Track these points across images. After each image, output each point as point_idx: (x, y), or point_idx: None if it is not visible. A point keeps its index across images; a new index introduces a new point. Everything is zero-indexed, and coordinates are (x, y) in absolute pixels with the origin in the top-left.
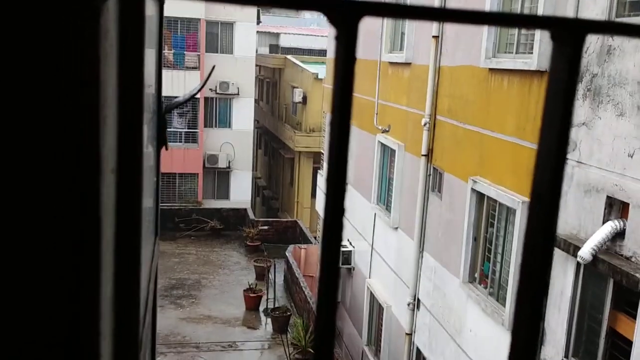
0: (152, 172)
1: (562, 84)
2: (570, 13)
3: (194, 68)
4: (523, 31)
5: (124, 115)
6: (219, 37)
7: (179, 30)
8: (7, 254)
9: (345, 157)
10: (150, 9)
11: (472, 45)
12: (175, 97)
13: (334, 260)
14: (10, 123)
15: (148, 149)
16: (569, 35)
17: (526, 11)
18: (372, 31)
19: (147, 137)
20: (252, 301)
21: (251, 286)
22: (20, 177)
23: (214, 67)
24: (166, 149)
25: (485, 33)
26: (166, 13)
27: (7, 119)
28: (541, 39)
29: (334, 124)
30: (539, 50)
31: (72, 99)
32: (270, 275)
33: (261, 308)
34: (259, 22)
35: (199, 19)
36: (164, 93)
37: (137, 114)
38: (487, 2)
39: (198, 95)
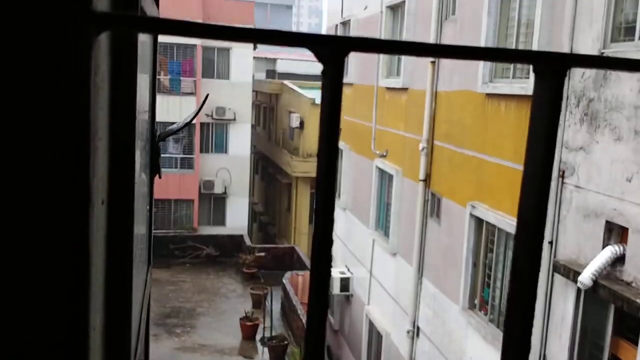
0: (145, 200)
1: (544, 118)
2: (565, 39)
3: (190, 93)
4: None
5: (116, 147)
6: (215, 63)
7: (175, 56)
8: None
9: (333, 182)
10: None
11: (469, 70)
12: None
13: (324, 288)
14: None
15: (141, 177)
16: (550, 69)
17: (522, 37)
18: (368, 57)
19: (141, 165)
20: (249, 330)
21: (247, 314)
22: (9, 209)
23: (207, 96)
24: (159, 177)
25: None
26: (162, 39)
27: None
28: None
29: (320, 154)
30: None
31: (62, 132)
32: (267, 303)
33: (258, 337)
34: (255, 47)
35: (195, 45)
36: (160, 118)
37: (129, 146)
38: (482, 30)
39: (194, 121)
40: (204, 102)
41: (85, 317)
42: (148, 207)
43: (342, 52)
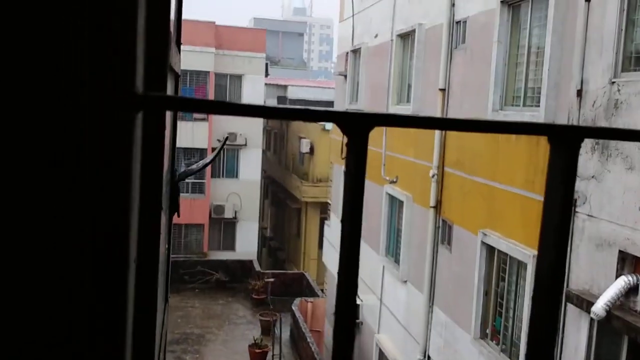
0: (165, 240)
1: (560, 187)
2: (576, 68)
3: (203, 119)
4: (530, 84)
5: (145, 207)
6: (227, 89)
7: (188, 83)
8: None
9: (357, 261)
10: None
11: (479, 98)
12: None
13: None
14: (46, 209)
15: (162, 219)
16: (565, 140)
17: (532, 65)
18: (379, 83)
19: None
20: (258, 357)
21: (256, 341)
22: (52, 271)
23: (227, 137)
24: (178, 216)
25: (492, 86)
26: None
27: (44, 204)
28: (547, 93)
29: (344, 228)
30: (546, 103)
31: (106, 198)
32: (276, 330)
33: None
34: (267, 74)
35: (208, 72)
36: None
37: (157, 205)
38: (493, 58)
39: (206, 146)
40: (223, 142)
41: None
42: (167, 246)
43: (367, 127)
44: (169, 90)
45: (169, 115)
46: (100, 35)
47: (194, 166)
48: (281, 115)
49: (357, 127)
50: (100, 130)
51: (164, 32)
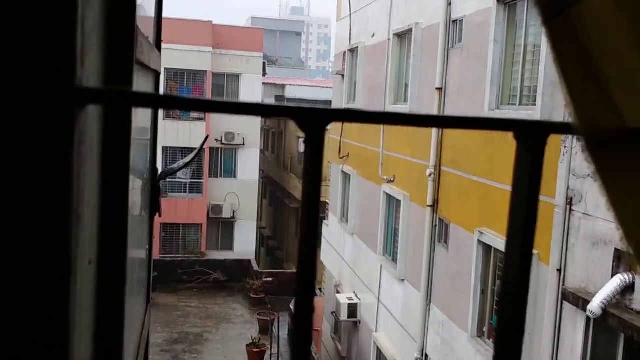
0: (145, 241)
1: (526, 183)
2: None
3: (200, 119)
4: (526, 83)
5: (108, 207)
6: (225, 89)
7: (185, 82)
8: None
9: (313, 254)
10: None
11: (476, 97)
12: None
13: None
14: None
15: (142, 216)
16: (531, 136)
17: (528, 65)
18: (376, 82)
19: (141, 205)
20: (256, 356)
21: (254, 340)
22: None
23: (207, 137)
24: (159, 215)
25: (488, 85)
26: (173, 65)
27: None
28: (544, 92)
29: (302, 218)
30: (542, 101)
31: (43, 201)
32: (274, 329)
33: None
34: (264, 73)
35: (205, 71)
36: (170, 144)
37: (122, 206)
38: (489, 57)
39: (204, 146)
40: (203, 142)
41: None
42: (148, 247)
43: (323, 123)
44: (145, 88)
45: (144, 112)
46: (33, 27)
47: (175, 165)
48: (231, 110)
49: (313, 122)
50: (34, 125)
51: (128, 27)
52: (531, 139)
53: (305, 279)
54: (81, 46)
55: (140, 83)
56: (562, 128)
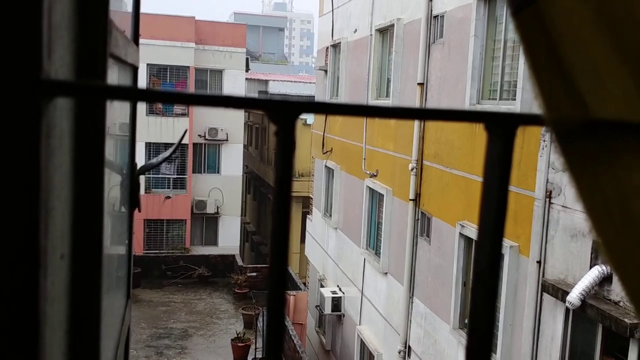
0: (124, 235)
1: (496, 174)
2: None
3: (183, 114)
4: (506, 78)
5: (81, 200)
6: (207, 84)
7: (168, 78)
8: None
9: (286, 243)
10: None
11: (457, 92)
12: (165, 143)
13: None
14: None
15: (120, 212)
16: (501, 127)
17: (508, 60)
18: (359, 77)
19: (120, 200)
20: (240, 351)
21: (239, 335)
22: None
23: (186, 131)
24: (139, 210)
25: (469, 80)
26: (156, 61)
27: None
28: (523, 86)
29: (274, 209)
30: (522, 96)
31: (9, 194)
32: (258, 324)
33: (249, 358)
34: (247, 69)
35: (188, 67)
36: (154, 139)
37: (96, 198)
38: (470, 52)
39: (187, 142)
40: (182, 136)
41: None
42: (127, 242)
43: (293, 115)
44: (122, 83)
45: (122, 106)
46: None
47: (154, 160)
48: (203, 102)
49: (284, 114)
50: None
51: (101, 20)
52: (501, 129)
53: (278, 271)
54: (48, 38)
55: (116, 77)
56: (531, 119)
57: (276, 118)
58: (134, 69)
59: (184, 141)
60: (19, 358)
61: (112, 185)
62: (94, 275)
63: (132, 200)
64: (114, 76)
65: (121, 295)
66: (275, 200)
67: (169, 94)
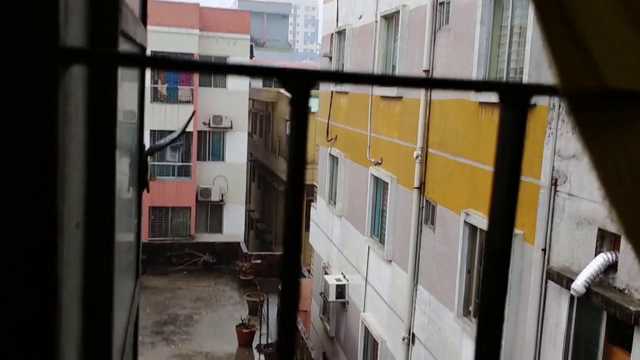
0: (133, 214)
1: (509, 145)
2: None
3: (188, 102)
4: (512, 64)
5: (94, 171)
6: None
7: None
8: None
9: (299, 212)
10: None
11: (463, 79)
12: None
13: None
14: None
15: (129, 192)
16: (515, 98)
17: (514, 46)
18: (364, 65)
19: (129, 180)
20: (245, 337)
21: (244, 321)
22: None
23: (194, 112)
24: (147, 191)
25: (475, 67)
26: (160, 48)
27: None
28: (529, 73)
29: (288, 176)
30: (528, 82)
31: (28, 160)
32: (263, 310)
33: (254, 344)
34: (252, 56)
35: (193, 54)
36: (158, 127)
37: (108, 169)
38: (476, 38)
39: (191, 129)
40: (190, 117)
41: (54, 351)
42: (136, 221)
43: (308, 83)
44: None
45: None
46: None
47: (162, 141)
48: (216, 70)
49: (299, 83)
50: (18, 85)
51: None
52: (515, 100)
53: (292, 240)
54: (65, 7)
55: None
56: (545, 90)
57: (291, 87)
58: (142, 49)
59: (189, 129)
60: (40, 315)
61: (121, 164)
62: (107, 244)
63: (141, 180)
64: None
65: (131, 275)
66: (289, 169)
67: (179, 61)
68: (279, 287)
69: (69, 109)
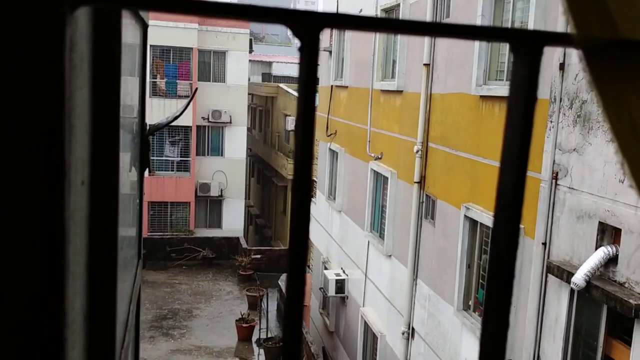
0: (135, 193)
1: (522, 95)
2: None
3: (187, 96)
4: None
5: (98, 127)
6: (211, 66)
7: (171, 59)
8: None
9: (309, 165)
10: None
11: (463, 73)
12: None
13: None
14: None
15: (131, 171)
16: (527, 46)
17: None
18: (364, 59)
19: (131, 159)
20: (245, 331)
21: (243, 316)
22: None
23: (196, 90)
24: (149, 172)
25: (475, 60)
26: (159, 42)
27: None
28: None
29: (297, 131)
30: None
31: (34, 107)
32: (263, 305)
33: (254, 338)
34: (251, 50)
35: (192, 48)
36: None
37: (113, 127)
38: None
39: (190, 124)
40: (193, 94)
41: (62, 298)
42: (138, 201)
43: (318, 28)
44: (134, 38)
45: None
46: None
47: (163, 120)
48: (219, 13)
49: (308, 27)
50: (24, 27)
51: None
52: (527, 49)
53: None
54: None
55: (129, 31)
56: (559, 38)
57: (300, 31)
58: (144, 27)
59: (188, 123)
60: (47, 268)
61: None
62: (112, 204)
63: (143, 159)
64: (127, 29)
65: (133, 254)
66: (298, 122)
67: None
68: (279, 282)
69: (75, 56)
